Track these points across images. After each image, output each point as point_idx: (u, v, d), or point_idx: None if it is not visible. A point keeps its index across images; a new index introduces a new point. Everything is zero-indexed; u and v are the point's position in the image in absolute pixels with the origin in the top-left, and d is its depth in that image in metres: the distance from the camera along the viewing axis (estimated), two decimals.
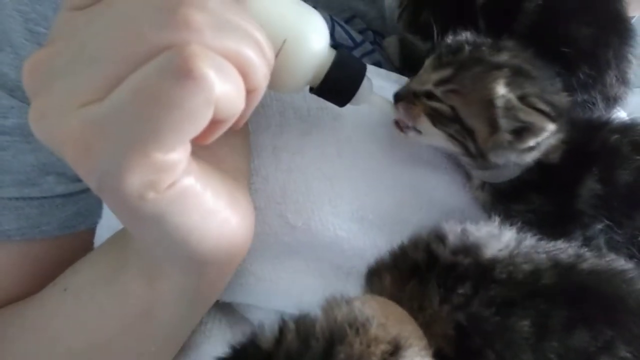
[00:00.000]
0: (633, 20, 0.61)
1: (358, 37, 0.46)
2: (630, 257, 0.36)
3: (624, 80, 0.42)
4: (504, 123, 0.31)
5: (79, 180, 0.39)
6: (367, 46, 0.46)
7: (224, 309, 0.38)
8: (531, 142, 0.31)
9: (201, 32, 0.22)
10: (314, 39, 0.31)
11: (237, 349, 0.25)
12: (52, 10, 0.39)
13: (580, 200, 0.34)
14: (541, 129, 0.30)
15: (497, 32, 0.39)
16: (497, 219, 0.31)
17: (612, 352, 0.27)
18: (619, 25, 0.41)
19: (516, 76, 0.31)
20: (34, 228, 0.39)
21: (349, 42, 0.46)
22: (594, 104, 0.41)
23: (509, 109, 0.31)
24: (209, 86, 0.22)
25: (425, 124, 0.33)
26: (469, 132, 0.32)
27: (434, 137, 0.34)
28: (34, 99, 0.24)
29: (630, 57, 0.42)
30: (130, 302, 0.32)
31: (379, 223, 0.37)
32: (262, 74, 0.26)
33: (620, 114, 0.45)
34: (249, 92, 0.26)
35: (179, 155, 0.24)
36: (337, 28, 0.45)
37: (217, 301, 0.37)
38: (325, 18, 0.43)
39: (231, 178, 0.31)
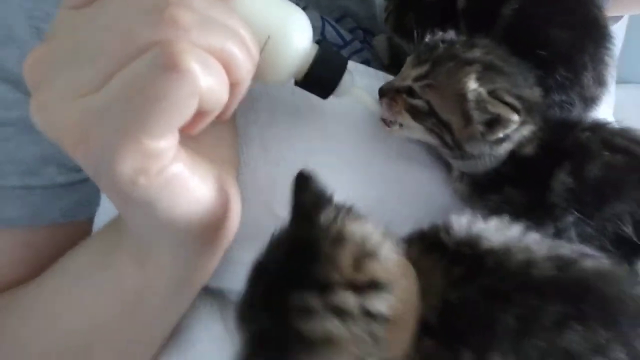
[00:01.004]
0: (626, 20, 0.64)
1: (347, 36, 0.48)
2: (602, 248, 0.38)
3: (600, 82, 0.44)
4: (476, 115, 0.33)
5: (78, 170, 0.41)
6: (356, 45, 0.48)
7: (215, 293, 0.40)
8: (500, 134, 0.33)
9: (187, 30, 0.24)
10: (297, 35, 0.33)
11: None
12: (55, 8, 0.41)
13: (552, 193, 0.36)
14: (508, 121, 0.32)
15: (478, 35, 0.41)
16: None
17: (606, 354, 0.27)
18: (594, 30, 0.42)
19: (487, 71, 0.33)
20: (36, 216, 0.41)
21: (339, 41, 0.48)
22: (571, 104, 0.43)
23: (479, 102, 0.32)
24: (193, 79, 0.24)
25: (406, 119, 0.35)
26: (445, 125, 0.34)
27: (415, 131, 0.36)
28: (34, 92, 0.26)
29: (606, 59, 0.43)
30: (124, 284, 0.34)
31: (364, 215, 0.39)
32: (245, 69, 0.28)
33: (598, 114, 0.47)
34: (233, 86, 0.28)
35: (167, 143, 0.26)
36: (327, 27, 0.47)
37: (208, 286, 0.39)
38: (315, 17, 0.45)
39: (219, 168, 0.33)
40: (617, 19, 0.63)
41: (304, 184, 0.30)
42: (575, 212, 0.36)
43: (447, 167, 0.40)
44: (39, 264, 0.40)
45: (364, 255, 0.27)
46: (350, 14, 0.51)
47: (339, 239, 0.27)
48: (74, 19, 0.26)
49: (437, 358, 0.28)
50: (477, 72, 0.33)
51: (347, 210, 0.29)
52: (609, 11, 0.59)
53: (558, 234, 0.36)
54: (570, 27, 0.41)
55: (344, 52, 0.47)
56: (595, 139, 0.37)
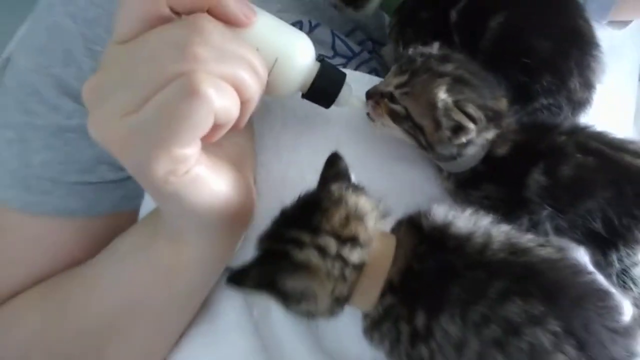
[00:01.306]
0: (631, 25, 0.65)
1: (357, 48, 0.54)
2: (576, 240, 0.42)
3: (588, 85, 0.47)
4: (444, 121, 0.38)
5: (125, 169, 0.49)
6: (365, 55, 0.54)
7: None
8: (463, 139, 0.38)
9: (205, 63, 0.31)
10: (300, 56, 0.39)
11: None
12: (105, 32, 0.48)
13: (527, 189, 0.40)
14: (466, 129, 0.37)
15: (469, 46, 0.46)
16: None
17: (542, 326, 0.32)
18: (578, 38, 0.46)
19: (456, 83, 0.38)
20: (91, 207, 0.49)
21: (348, 53, 0.53)
22: (559, 107, 0.47)
23: (446, 110, 0.37)
24: (209, 102, 0.31)
25: (387, 120, 0.41)
26: (419, 128, 0.39)
27: (395, 130, 0.41)
28: (91, 111, 0.34)
29: (593, 65, 0.47)
30: (161, 262, 0.42)
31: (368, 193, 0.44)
32: (253, 89, 0.34)
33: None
34: (244, 103, 0.35)
35: (191, 150, 0.33)
36: (337, 41, 0.52)
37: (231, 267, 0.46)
38: (326, 33, 0.51)
39: (236, 169, 0.40)
40: (625, 24, 0.65)
41: (332, 162, 0.38)
42: (549, 208, 0.40)
43: (438, 168, 0.45)
44: (94, 248, 0.48)
45: (353, 217, 0.34)
46: (361, 27, 0.56)
47: (339, 201, 0.35)
48: (119, 53, 0.34)
49: (395, 311, 0.35)
50: (447, 84, 0.38)
51: (355, 187, 0.37)
52: (614, 16, 0.61)
53: (534, 227, 0.41)
54: (553, 37, 0.44)
55: (353, 63, 0.53)
56: (570, 141, 0.41)
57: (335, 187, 0.36)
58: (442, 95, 0.37)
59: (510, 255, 0.34)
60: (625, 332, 0.34)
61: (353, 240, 0.34)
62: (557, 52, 0.45)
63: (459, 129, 0.37)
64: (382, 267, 0.35)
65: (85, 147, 0.48)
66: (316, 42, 0.51)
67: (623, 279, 0.41)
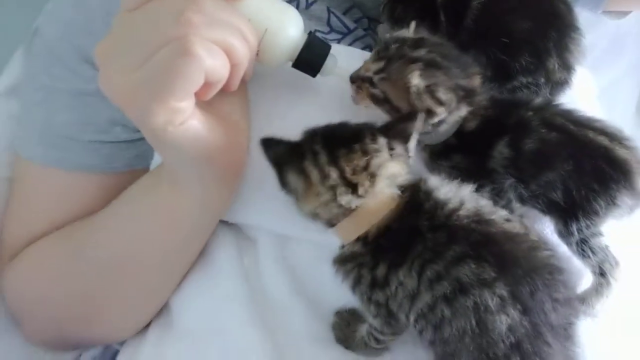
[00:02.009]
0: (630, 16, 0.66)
1: (351, 25, 0.57)
2: (539, 210, 0.45)
3: (566, 66, 0.49)
4: (418, 104, 0.41)
5: (138, 130, 0.54)
6: (360, 32, 0.57)
7: (231, 226, 0.52)
8: (436, 120, 0.41)
9: (198, 27, 0.36)
10: (288, 27, 0.43)
11: None
12: None
13: (492, 160, 0.43)
14: (435, 112, 0.41)
15: (454, 24, 0.49)
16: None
17: (490, 289, 0.35)
18: (558, 20, 0.48)
19: (428, 68, 0.42)
20: (106, 164, 0.55)
21: (344, 29, 0.57)
22: (538, 86, 0.49)
23: (418, 94, 0.41)
24: (200, 60, 0.36)
25: (369, 103, 0.44)
26: (398, 111, 0.43)
27: (378, 110, 0.45)
28: (100, 70, 0.39)
29: (571, 47, 0.49)
30: (163, 205, 0.47)
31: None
32: (242, 53, 0.39)
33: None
34: (234, 66, 0.40)
35: (186, 103, 0.38)
36: (333, 18, 0.56)
37: (226, 222, 0.51)
38: (322, 9, 0.55)
39: (230, 128, 0.45)
40: (624, 14, 0.65)
41: (407, 118, 0.42)
42: (512, 178, 0.43)
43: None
44: (109, 201, 0.53)
45: (368, 172, 0.38)
46: (358, 4, 0.59)
47: (368, 152, 0.39)
48: (126, 20, 0.39)
49: (361, 259, 0.40)
50: (419, 70, 0.41)
51: (400, 152, 0.40)
52: (610, 6, 0.63)
53: (498, 195, 0.44)
54: (531, 18, 0.47)
55: (348, 39, 0.56)
56: (536, 117, 0.44)
57: (380, 140, 0.40)
58: (415, 81, 0.41)
59: (474, 223, 0.38)
60: (566, 303, 0.38)
61: (352, 187, 0.38)
62: (535, 32, 0.47)
63: (430, 112, 0.41)
64: (365, 220, 0.39)
65: (102, 109, 0.53)
66: (312, 18, 0.55)
67: (582, 248, 0.44)
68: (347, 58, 0.47)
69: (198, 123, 0.41)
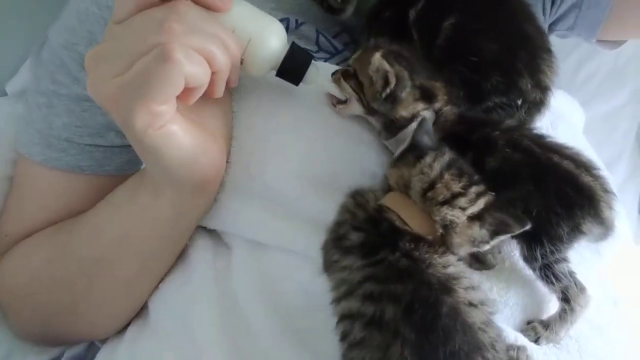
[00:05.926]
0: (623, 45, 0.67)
1: (340, 46, 0.59)
2: None
3: (540, 87, 0.50)
4: (374, 76, 0.44)
5: None
6: (347, 54, 0.60)
7: (209, 232, 0.54)
8: (388, 90, 0.44)
9: (178, 35, 0.39)
10: (271, 38, 0.45)
11: None
12: None
13: None
14: (390, 82, 0.44)
15: (427, 43, 0.51)
16: None
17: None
18: (525, 42, 0.49)
19: (395, 56, 0.45)
20: (99, 167, 0.58)
21: (332, 49, 0.59)
22: (512, 107, 0.50)
23: (377, 67, 0.44)
24: (180, 65, 0.38)
25: (342, 84, 0.47)
26: (361, 85, 0.46)
27: (354, 107, 0.47)
28: (88, 74, 0.42)
29: (544, 67, 0.50)
30: (142, 209, 0.50)
31: (323, 182, 0.49)
32: (222, 61, 0.41)
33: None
34: (215, 73, 0.42)
35: (166, 107, 0.40)
36: (321, 38, 0.58)
37: (204, 228, 0.53)
38: (310, 30, 0.57)
39: (210, 136, 0.47)
40: (617, 44, 0.66)
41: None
42: None
43: (390, 152, 0.50)
44: (98, 201, 0.56)
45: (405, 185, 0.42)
46: (348, 29, 0.62)
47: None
48: (114, 30, 0.42)
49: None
50: (385, 52, 0.45)
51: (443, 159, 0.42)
52: (604, 35, 0.64)
53: None
54: (499, 40, 0.48)
55: (335, 59, 0.58)
56: (502, 137, 0.44)
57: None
58: (377, 56, 0.44)
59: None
60: None
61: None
62: (503, 53, 0.48)
63: (385, 83, 0.44)
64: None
65: (99, 114, 0.56)
66: (302, 38, 0.58)
67: (546, 274, 0.45)
68: (327, 73, 0.49)
69: (178, 128, 0.43)
